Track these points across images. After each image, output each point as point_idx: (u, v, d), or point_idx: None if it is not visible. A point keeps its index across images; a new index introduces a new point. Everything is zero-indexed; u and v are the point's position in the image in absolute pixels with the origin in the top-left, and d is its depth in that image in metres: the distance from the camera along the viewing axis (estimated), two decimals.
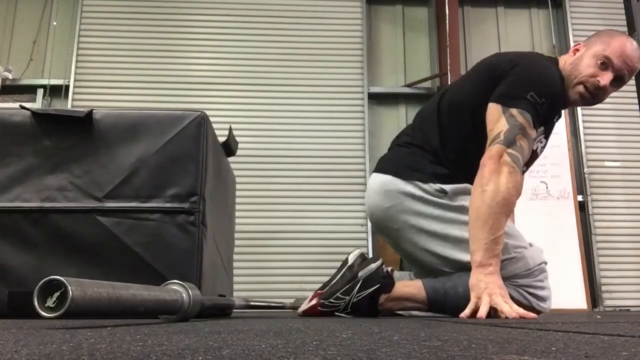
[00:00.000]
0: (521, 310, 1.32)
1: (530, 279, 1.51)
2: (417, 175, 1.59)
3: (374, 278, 1.51)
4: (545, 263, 1.55)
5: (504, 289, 1.39)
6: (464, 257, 1.51)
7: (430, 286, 1.53)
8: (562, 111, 1.72)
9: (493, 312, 1.34)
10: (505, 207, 1.42)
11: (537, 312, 1.52)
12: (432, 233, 1.56)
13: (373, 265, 1.51)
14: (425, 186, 1.58)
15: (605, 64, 1.54)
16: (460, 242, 1.53)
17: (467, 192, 1.56)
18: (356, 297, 1.50)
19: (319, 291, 1.57)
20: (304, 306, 1.58)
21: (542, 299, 1.52)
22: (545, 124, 1.57)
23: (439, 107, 1.68)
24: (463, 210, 1.54)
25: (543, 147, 1.66)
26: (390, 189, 1.61)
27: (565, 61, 1.63)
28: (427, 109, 1.75)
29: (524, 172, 1.61)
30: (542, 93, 1.48)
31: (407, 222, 1.58)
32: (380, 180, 1.65)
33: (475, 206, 1.44)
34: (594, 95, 1.57)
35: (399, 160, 1.66)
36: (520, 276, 1.51)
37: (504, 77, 1.54)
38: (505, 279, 1.50)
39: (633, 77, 2.46)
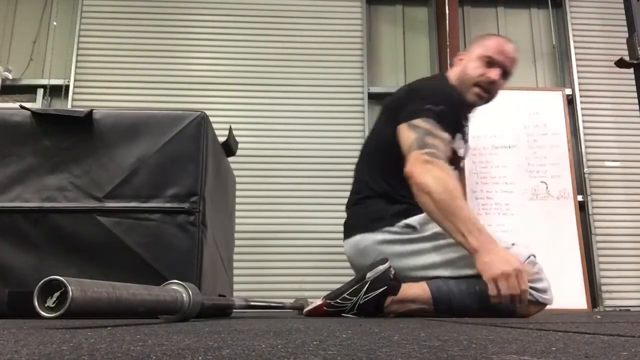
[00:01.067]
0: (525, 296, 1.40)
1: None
2: (382, 223, 1.65)
3: (382, 280, 1.51)
4: (534, 256, 1.57)
5: (509, 260, 1.42)
6: (458, 272, 1.56)
7: (434, 284, 1.54)
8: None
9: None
10: (454, 192, 1.49)
11: (542, 304, 1.54)
12: (419, 267, 1.60)
13: (381, 267, 1.52)
14: (394, 229, 1.64)
15: (489, 62, 1.73)
16: (448, 263, 1.57)
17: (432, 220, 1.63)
18: (363, 298, 1.51)
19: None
20: (309, 307, 1.58)
21: (543, 290, 1.54)
22: (458, 130, 1.71)
23: (368, 156, 1.79)
24: (437, 236, 1.60)
25: (467, 151, 1.82)
26: (364, 245, 1.67)
27: (454, 72, 1.81)
28: (359, 163, 1.86)
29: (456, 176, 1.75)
30: (437, 101, 1.62)
31: (395, 273, 1.60)
32: (352, 243, 1.72)
33: (431, 209, 1.51)
34: (488, 91, 1.75)
35: (359, 219, 1.73)
36: None
37: (406, 104, 1.68)
38: None
39: (633, 78, 2.47)
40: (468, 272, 1.52)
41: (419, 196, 1.53)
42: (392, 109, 1.73)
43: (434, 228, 1.60)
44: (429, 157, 1.53)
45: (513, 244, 1.61)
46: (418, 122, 1.59)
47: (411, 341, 0.54)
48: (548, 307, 1.59)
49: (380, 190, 1.71)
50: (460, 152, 1.76)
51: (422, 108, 1.60)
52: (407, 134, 1.60)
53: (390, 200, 1.67)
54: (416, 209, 1.63)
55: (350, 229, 1.75)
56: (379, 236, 1.64)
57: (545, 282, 1.56)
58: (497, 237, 1.64)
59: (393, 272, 1.55)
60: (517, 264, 1.42)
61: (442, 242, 1.58)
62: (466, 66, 1.77)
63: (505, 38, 1.81)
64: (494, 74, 1.72)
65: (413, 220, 1.62)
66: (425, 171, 1.51)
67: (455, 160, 1.73)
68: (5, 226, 1.43)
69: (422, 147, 1.54)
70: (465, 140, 1.78)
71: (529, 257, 1.55)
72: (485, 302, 1.51)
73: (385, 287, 1.51)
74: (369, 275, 1.52)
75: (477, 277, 1.53)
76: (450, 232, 1.48)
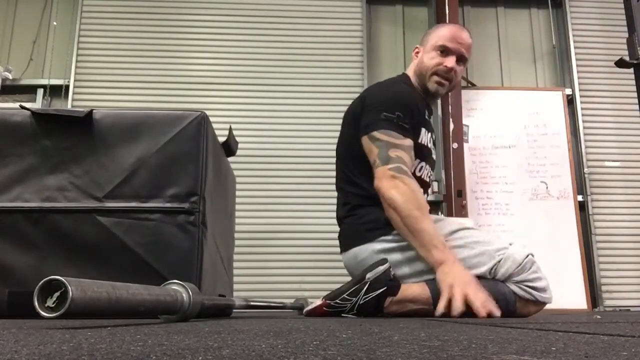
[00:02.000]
0: (490, 306, 1.40)
1: (525, 274, 1.53)
2: (377, 233, 1.65)
3: (381, 280, 1.51)
4: (532, 255, 1.57)
5: (470, 275, 1.47)
6: None
7: (433, 284, 1.54)
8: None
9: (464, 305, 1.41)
10: (420, 209, 1.54)
11: (542, 303, 1.56)
12: (419, 272, 1.59)
13: (381, 268, 1.52)
14: (389, 237, 1.64)
15: (444, 51, 1.75)
16: None
17: None
18: (363, 299, 1.50)
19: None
20: (309, 307, 1.58)
21: (542, 289, 1.54)
22: (422, 125, 1.72)
23: (346, 166, 1.80)
24: None
25: (434, 141, 1.85)
26: (363, 257, 1.66)
27: (412, 67, 1.84)
28: (338, 173, 1.86)
29: (432, 167, 1.82)
30: (391, 108, 1.64)
31: (395, 275, 1.60)
32: (351, 257, 1.72)
33: (400, 225, 1.55)
34: (448, 79, 1.77)
35: (353, 230, 1.73)
36: (515, 274, 1.53)
37: (362, 113, 1.70)
38: (503, 281, 1.52)
39: (633, 78, 2.47)
40: None
41: (387, 211, 1.57)
42: (351, 119, 1.76)
43: None
44: (395, 172, 1.56)
45: (510, 244, 1.61)
46: (377, 134, 1.61)
47: (411, 341, 0.54)
48: (548, 306, 1.59)
49: (368, 195, 1.70)
50: (430, 145, 1.79)
51: (378, 118, 1.62)
52: (370, 146, 1.63)
53: (381, 206, 1.65)
54: None
55: (346, 242, 1.75)
56: (376, 246, 1.64)
57: (544, 280, 1.56)
58: (492, 238, 1.64)
59: (393, 273, 1.54)
60: (474, 283, 1.45)
61: None
62: (423, 58, 1.79)
63: (458, 25, 1.83)
64: (450, 61, 1.74)
65: None
66: (392, 187, 1.54)
67: (426, 154, 1.76)
68: (5, 226, 1.42)
69: (386, 161, 1.57)
70: (431, 131, 1.80)
71: (527, 256, 1.55)
72: None
73: (385, 287, 1.51)
74: (368, 275, 1.52)
75: (476, 277, 1.53)
76: (417, 244, 1.53)
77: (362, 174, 1.73)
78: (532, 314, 1.57)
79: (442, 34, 1.78)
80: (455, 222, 1.70)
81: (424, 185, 1.77)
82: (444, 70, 1.75)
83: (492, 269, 1.53)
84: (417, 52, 1.84)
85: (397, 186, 1.54)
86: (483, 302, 1.40)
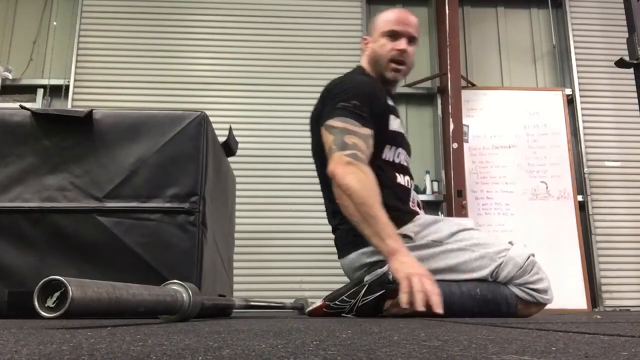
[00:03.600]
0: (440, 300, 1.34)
1: (526, 276, 1.53)
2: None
3: (380, 283, 1.50)
4: (533, 255, 1.56)
5: (424, 267, 1.43)
6: (458, 277, 1.54)
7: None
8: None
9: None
10: (373, 197, 1.48)
11: (542, 304, 1.55)
12: None
13: (379, 271, 1.51)
14: None
15: (392, 35, 1.75)
16: (446, 269, 1.55)
17: (426, 227, 1.61)
18: (361, 301, 1.50)
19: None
20: (311, 307, 1.58)
21: (543, 291, 1.54)
22: (388, 112, 1.71)
23: (320, 172, 1.76)
24: (432, 245, 1.58)
25: (403, 126, 1.82)
26: (360, 263, 1.63)
27: (365, 58, 1.83)
28: (319, 180, 1.81)
29: (408, 152, 1.78)
30: (348, 97, 1.60)
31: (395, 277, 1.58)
32: (347, 263, 1.68)
33: (352, 211, 1.49)
34: (402, 62, 1.76)
35: (348, 236, 1.66)
36: (517, 277, 1.52)
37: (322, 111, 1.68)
38: (505, 283, 1.52)
39: (633, 78, 2.47)
40: (467, 276, 1.52)
41: (341, 198, 1.51)
42: (316, 122, 1.72)
43: (428, 236, 1.59)
44: (351, 158, 1.51)
45: (510, 242, 1.61)
46: (332, 122, 1.57)
47: (411, 341, 0.54)
48: (548, 306, 1.59)
49: None
50: (402, 131, 1.76)
51: (335, 107, 1.59)
52: (326, 135, 1.59)
53: None
54: (403, 215, 1.61)
55: (342, 249, 1.71)
56: (366, 249, 1.60)
57: (546, 281, 1.55)
58: (493, 240, 1.63)
59: (392, 275, 1.54)
60: (427, 272, 1.41)
61: (438, 249, 1.57)
62: (374, 48, 1.78)
63: (400, 8, 1.83)
64: (401, 44, 1.74)
65: (406, 229, 1.59)
66: (348, 173, 1.49)
67: (400, 140, 1.73)
68: (5, 226, 1.43)
69: (342, 147, 1.52)
70: (398, 117, 1.78)
71: (528, 258, 1.54)
72: (485, 305, 1.50)
73: (383, 290, 1.51)
74: (367, 278, 1.51)
75: (477, 280, 1.53)
76: (368, 235, 1.47)
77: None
78: (532, 314, 1.57)
79: (388, 18, 1.77)
80: (454, 222, 1.68)
81: (404, 170, 1.73)
82: (398, 53, 1.74)
83: (493, 272, 1.53)
84: (367, 43, 1.83)
85: (353, 172, 1.49)
86: (439, 294, 1.35)
